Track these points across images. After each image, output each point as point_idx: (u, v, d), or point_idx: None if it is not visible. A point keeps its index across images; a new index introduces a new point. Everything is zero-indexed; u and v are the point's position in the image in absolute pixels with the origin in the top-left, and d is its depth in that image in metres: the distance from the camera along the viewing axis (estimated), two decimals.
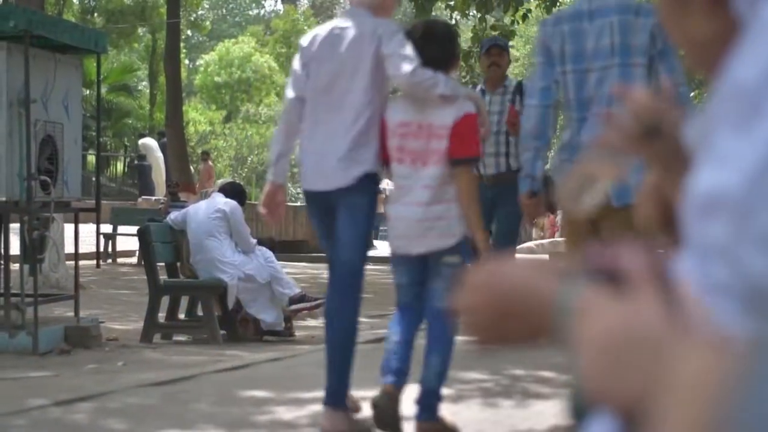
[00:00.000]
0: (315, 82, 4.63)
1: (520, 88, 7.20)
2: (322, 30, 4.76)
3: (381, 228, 19.41)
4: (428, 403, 4.63)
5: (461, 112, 4.50)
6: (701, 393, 0.67)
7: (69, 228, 8.99)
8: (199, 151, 30.14)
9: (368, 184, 4.62)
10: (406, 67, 4.43)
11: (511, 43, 19.05)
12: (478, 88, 7.59)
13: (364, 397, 5.42)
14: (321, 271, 16.75)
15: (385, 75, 4.56)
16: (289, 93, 4.74)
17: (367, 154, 4.58)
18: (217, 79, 42.07)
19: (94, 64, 9.82)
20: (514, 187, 6.56)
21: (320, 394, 5.51)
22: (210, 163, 25.11)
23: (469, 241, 4.60)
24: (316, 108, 4.65)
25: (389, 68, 4.50)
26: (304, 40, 4.79)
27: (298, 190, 35.04)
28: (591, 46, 4.62)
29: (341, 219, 4.61)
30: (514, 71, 41.93)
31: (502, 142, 7.39)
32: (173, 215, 9.09)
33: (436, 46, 4.59)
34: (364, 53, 4.55)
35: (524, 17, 15.01)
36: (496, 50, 7.39)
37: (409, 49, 4.49)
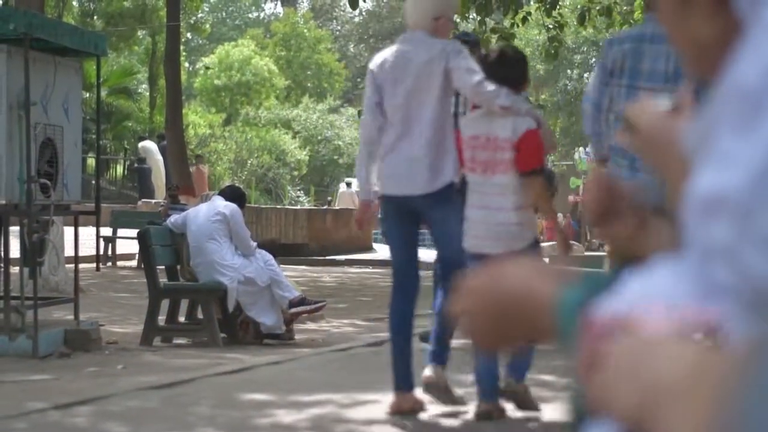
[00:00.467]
0: (392, 100, 5.16)
1: None
2: (388, 54, 5.26)
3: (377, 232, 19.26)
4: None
5: (523, 128, 4.99)
6: (703, 395, 0.67)
7: (69, 231, 8.99)
8: (199, 153, 30.10)
9: (450, 193, 5.17)
10: (473, 79, 4.98)
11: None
12: None
13: (368, 400, 5.42)
14: (321, 275, 16.76)
15: (451, 87, 5.13)
16: (369, 122, 5.26)
17: (449, 164, 5.15)
18: (216, 82, 42.08)
19: (94, 67, 9.83)
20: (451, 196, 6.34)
21: (320, 396, 5.51)
22: (202, 167, 24.65)
23: (538, 246, 5.37)
24: (395, 123, 5.17)
25: (457, 80, 5.05)
26: (374, 65, 5.28)
27: (299, 193, 35.06)
28: (646, 68, 5.03)
29: (437, 229, 5.24)
30: None
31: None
32: (173, 218, 9.08)
33: (507, 68, 5.08)
34: (435, 70, 5.08)
35: (524, 20, 15.01)
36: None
37: (473, 64, 5.08)
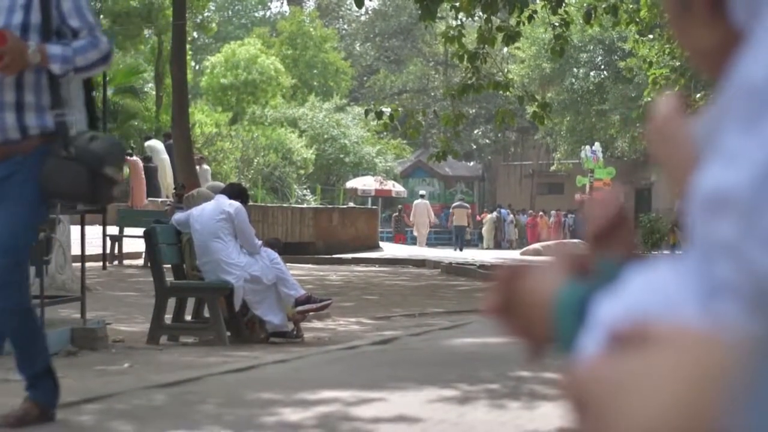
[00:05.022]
0: None
1: None
2: None
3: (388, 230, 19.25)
4: None
5: None
6: (703, 393, 0.67)
7: (75, 230, 9.00)
8: (206, 152, 30.11)
9: None
10: None
11: (516, 45, 19.04)
12: None
13: (374, 398, 5.42)
14: (327, 273, 16.77)
15: None
16: None
17: None
18: (223, 80, 42.12)
19: None
20: (30, 165, 4.43)
21: (327, 395, 5.52)
22: (135, 156, 22.44)
23: None
24: None
25: None
26: None
27: (305, 192, 35.09)
28: None
29: None
30: (519, 73, 41.81)
31: (10, 86, 4.40)
32: (177, 216, 9.11)
33: None
34: None
35: (530, 18, 15.02)
36: None
37: None
